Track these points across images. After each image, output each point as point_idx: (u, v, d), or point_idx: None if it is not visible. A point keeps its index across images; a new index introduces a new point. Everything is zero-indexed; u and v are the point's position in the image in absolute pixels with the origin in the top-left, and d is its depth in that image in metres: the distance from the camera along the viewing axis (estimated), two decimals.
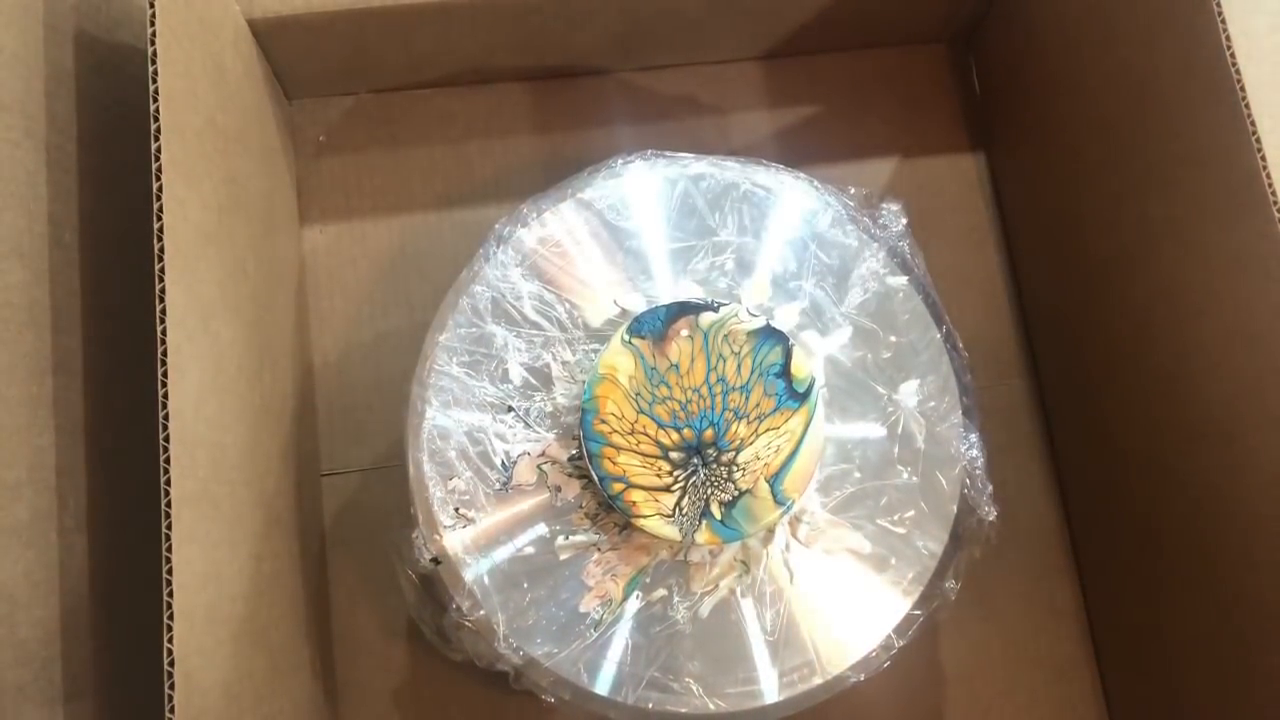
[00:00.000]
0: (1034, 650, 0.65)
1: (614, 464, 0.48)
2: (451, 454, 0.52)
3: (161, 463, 0.40)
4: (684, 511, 0.50)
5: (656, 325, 0.49)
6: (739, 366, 0.49)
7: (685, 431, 0.49)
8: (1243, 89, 0.47)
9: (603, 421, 0.48)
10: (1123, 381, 0.59)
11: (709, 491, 0.50)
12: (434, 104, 0.69)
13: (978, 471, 0.54)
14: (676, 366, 0.49)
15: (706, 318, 0.50)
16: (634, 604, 0.51)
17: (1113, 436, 0.60)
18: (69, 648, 0.45)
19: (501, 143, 0.68)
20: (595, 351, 0.51)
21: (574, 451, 0.51)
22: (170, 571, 0.39)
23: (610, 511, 0.51)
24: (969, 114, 0.72)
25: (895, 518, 0.53)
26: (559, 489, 0.52)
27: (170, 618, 0.39)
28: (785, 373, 0.49)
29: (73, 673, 0.45)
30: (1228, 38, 0.46)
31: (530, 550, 0.52)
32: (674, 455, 0.49)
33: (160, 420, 0.40)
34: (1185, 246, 0.52)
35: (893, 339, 0.53)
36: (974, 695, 0.64)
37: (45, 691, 0.44)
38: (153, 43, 0.44)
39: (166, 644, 0.39)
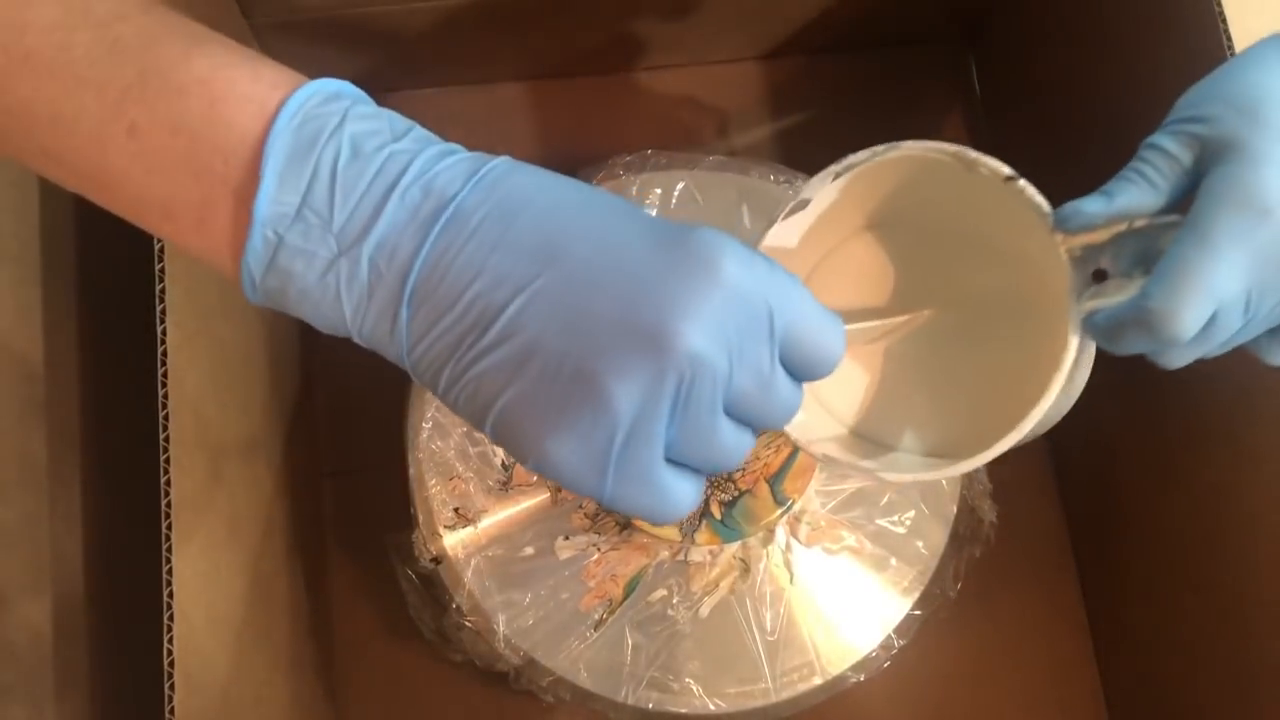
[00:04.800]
0: (1034, 650, 0.64)
1: None
2: (451, 454, 0.52)
3: (161, 463, 0.40)
4: None
5: None
6: None
7: None
8: None
9: None
10: (1122, 381, 0.59)
11: (709, 491, 0.50)
12: (434, 104, 0.69)
13: (978, 472, 0.54)
14: None
15: None
16: (634, 604, 0.51)
17: (1113, 436, 0.60)
18: (60, 649, 0.45)
19: (501, 143, 0.68)
20: None
21: None
22: (170, 571, 0.39)
23: (610, 511, 0.51)
24: (969, 114, 0.72)
25: (895, 518, 0.53)
26: (559, 489, 0.52)
27: (170, 618, 0.39)
28: None
29: (64, 674, 0.45)
30: (1228, 37, 0.46)
31: (530, 550, 0.52)
32: None
33: (160, 420, 0.40)
34: None
35: None
36: (974, 695, 0.64)
37: (33, 693, 0.44)
38: None
39: (166, 644, 0.39)
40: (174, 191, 0.26)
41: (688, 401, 0.25)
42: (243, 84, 0.26)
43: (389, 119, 0.27)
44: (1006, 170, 0.34)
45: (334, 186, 0.25)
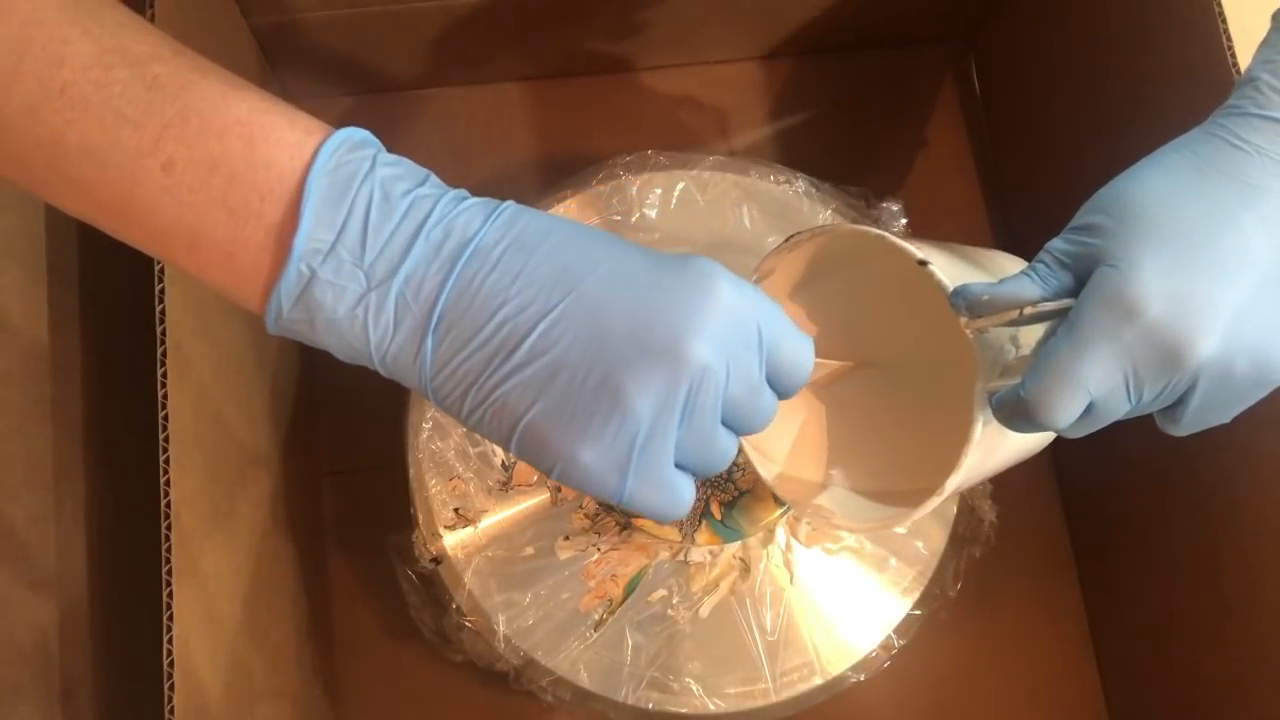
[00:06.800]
0: (1034, 650, 0.65)
1: None
2: (451, 454, 0.52)
3: (161, 463, 0.40)
4: None
5: None
6: None
7: None
8: None
9: None
10: None
11: (709, 491, 0.50)
12: (434, 104, 0.69)
13: None
14: None
15: None
16: (634, 604, 0.51)
17: (1113, 437, 0.60)
18: (66, 648, 0.45)
19: (501, 143, 0.68)
20: None
21: None
22: (170, 571, 0.39)
23: (610, 511, 0.51)
24: (969, 114, 0.72)
25: None
26: (559, 489, 0.52)
27: (170, 617, 0.39)
28: None
29: (70, 673, 0.45)
30: (1228, 38, 0.46)
31: (530, 550, 0.52)
32: None
33: (160, 420, 0.40)
34: None
35: None
36: (974, 695, 0.64)
37: (42, 692, 0.44)
38: None
39: (166, 644, 0.39)
40: (204, 226, 0.27)
41: (694, 406, 0.28)
42: (281, 128, 0.28)
43: (408, 166, 0.29)
44: (919, 255, 0.36)
45: (366, 226, 0.27)
